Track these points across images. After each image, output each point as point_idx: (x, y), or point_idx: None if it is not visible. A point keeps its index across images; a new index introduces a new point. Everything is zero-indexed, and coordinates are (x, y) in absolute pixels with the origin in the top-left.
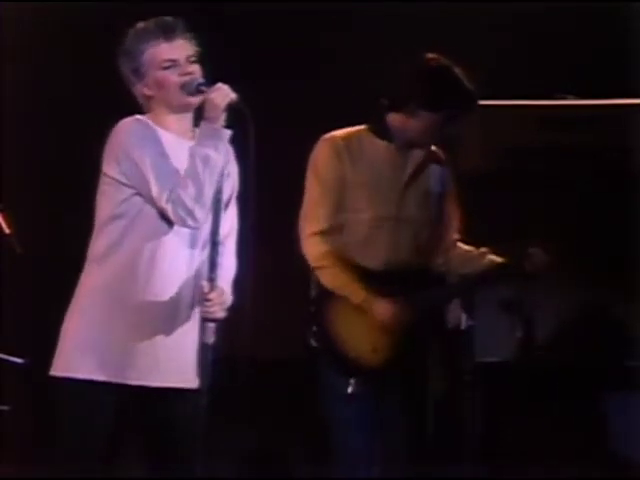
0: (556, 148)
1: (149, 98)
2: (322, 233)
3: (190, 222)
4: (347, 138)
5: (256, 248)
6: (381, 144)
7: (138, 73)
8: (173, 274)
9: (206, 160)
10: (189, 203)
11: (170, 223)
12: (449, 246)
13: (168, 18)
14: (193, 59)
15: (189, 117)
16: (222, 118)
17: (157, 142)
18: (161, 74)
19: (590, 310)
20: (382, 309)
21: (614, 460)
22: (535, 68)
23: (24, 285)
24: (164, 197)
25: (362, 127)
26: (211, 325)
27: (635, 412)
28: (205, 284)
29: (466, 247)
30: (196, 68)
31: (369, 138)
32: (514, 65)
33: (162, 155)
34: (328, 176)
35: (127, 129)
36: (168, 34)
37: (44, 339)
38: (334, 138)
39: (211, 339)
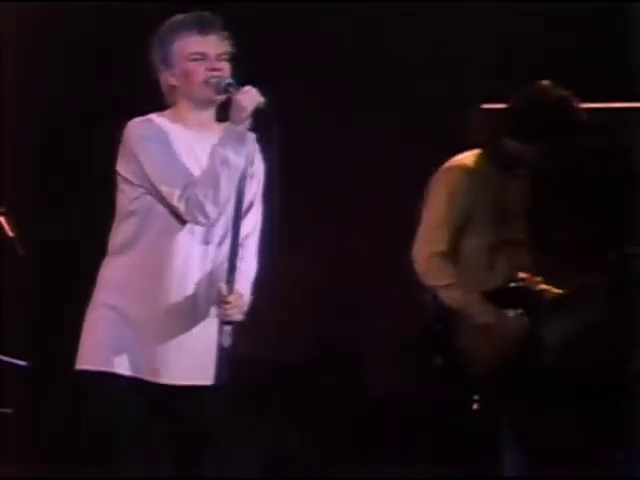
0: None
1: (173, 88)
2: (444, 255)
3: (203, 220)
4: (468, 164)
5: (278, 251)
6: (498, 169)
7: (166, 62)
8: (187, 271)
9: (225, 162)
10: (204, 201)
11: (182, 221)
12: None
13: (207, 13)
14: (224, 57)
15: (211, 112)
16: (248, 121)
17: (166, 142)
18: (189, 65)
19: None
20: (511, 327)
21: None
22: (535, 68)
23: (26, 287)
24: (175, 195)
25: (480, 152)
26: (228, 327)
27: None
28: (223, 286)
29: None
30: (225, 66)
31: (487, 163)
32: (514, 65)
33: (170, 154)
34: (451, 199)
35: (135, 130)
36: (203, 28)
37: (46, 341)
38: (457, 163)
39: (228, 341)
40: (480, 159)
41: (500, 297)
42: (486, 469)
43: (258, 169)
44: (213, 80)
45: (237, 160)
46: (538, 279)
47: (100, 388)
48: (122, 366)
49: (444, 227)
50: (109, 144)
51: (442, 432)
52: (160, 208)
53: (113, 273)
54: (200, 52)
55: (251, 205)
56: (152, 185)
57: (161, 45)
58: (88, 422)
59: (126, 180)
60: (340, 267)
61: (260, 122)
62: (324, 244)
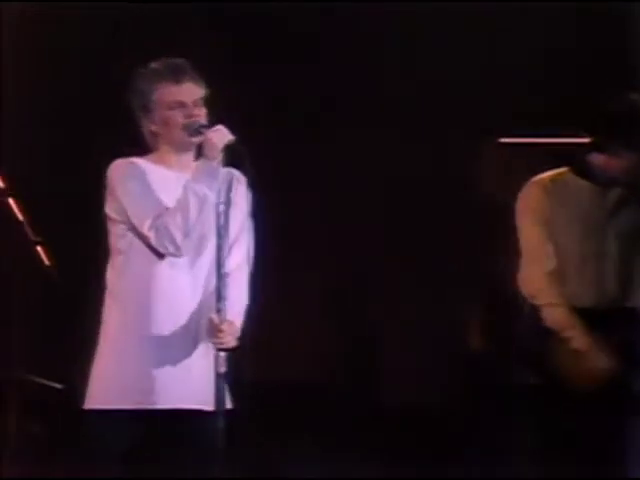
0: None
1: (154, 135)
2: (550, 273)
3: (172, 250)
4: (553, 179)
5: (259, 280)
6: (584, 184)
7: (146, 110)
8: (174, 305)
9: (196, 193)
10: (173, 231)
11: (160, 255)
12: None
13: (178, 60)
14: (200, 102)
15: (190, 155)
16: (219, 157)
17: (142, 179)
18: (168, 114)
19: None
20: (601, 361)
21: None
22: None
23: (63, 314)
24: (146, 225)
25: (565, 169)
26: (222, 355)
27: None
28: (214, 316)
29: None
30: (202, 111)
31: (573, 179)
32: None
33: (147, 190)
34: (542, 216)
35: (115, 170)
36: (177, 76)
37: (84, 366)
38: (542, 180)
39: (223, 368)
40: (566, 174)
41: (593, 318)
42: None
43: (241, 201)
44: (187, 125)
45: (207, 192)
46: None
47: (107, 424)
48: (124, 400)
49: (543, 243)
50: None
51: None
52: (139, 245)
53: (111, 315)
54: (177, 101)
55: (237, 236)
56: (128, 219)
57: (140, 93)
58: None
59: (111, 219)
60: (357, 285)
61: (233, 158)
62: (337, 263)
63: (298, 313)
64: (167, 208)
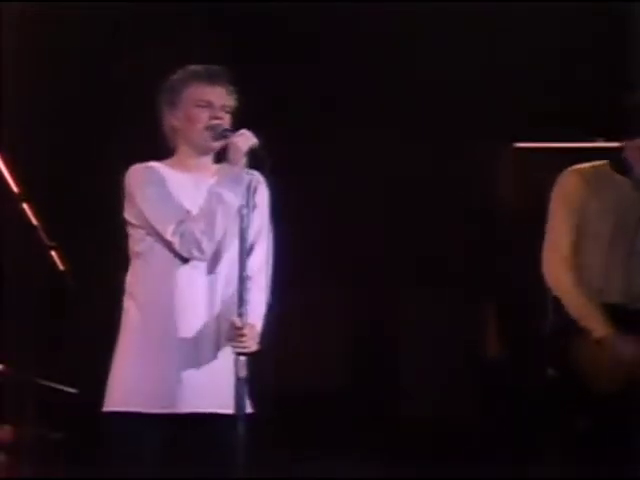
0: None
1: (175, 131)
2: (567, 260)
3: (198, 255)
4: (592, 170)
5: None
6: (621, 179)
7: (173, 105)
8: (194, 308)
9: (221, 199)
10: (198, 235)
11: (183, 259)
12: None
13: (218, 67)
14: (227, 109)
15: (209, 159)
16: (243, 161)
17: (163, 184)
18: (194, 111)
19: None
20: (623, 347)
21: None
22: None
23: (78, 319)
24: (169, 230)
25: (604, 162)
26: (243, 359)
27: None
28: (237, 320)
29: None
30: (226, 117)
31: (609, 173)
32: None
33: (167, 195)
34: (574, 204)
35: (135, 175)
36: (212, 78)
37: (98, 371)
38: (582, 168)
39: (244, 372)
40: (605, 166)
41: (620, 316)
42: None
43: (261, 202)
44: (210, 127)
45: (232, 198)
46: None
47: (128, 427)
48: (146, 404)
49: (565, 231)
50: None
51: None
52: (160, 249)
53: (131, 317)
54: (206, 100)
55: (257, 239)
56: (149, 224)
57: (171, 89)
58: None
59: (130, 224)
60: (374, 299)
61: (255, 162)
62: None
63: (315, 318)
64: (188, 211)
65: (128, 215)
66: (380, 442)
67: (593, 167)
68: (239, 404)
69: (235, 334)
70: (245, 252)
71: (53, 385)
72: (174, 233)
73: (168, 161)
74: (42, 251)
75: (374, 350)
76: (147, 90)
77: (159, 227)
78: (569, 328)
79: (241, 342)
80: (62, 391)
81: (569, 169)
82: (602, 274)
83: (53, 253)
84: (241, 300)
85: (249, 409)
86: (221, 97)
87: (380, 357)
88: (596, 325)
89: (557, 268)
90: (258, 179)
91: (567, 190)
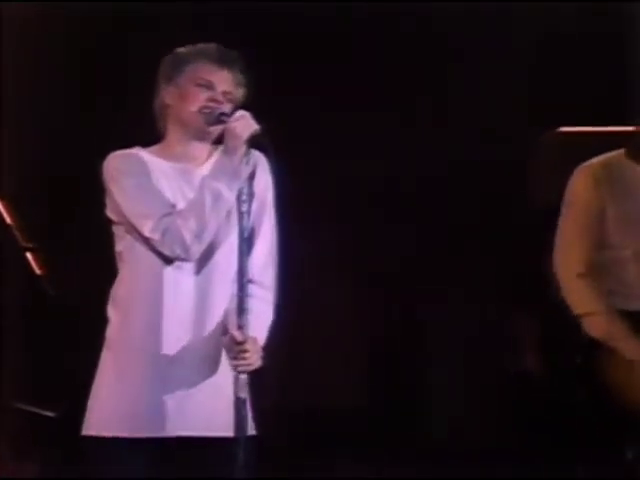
0: None
1: (166, 108)
2: (585, 275)
3: (182, 254)
4: (606, 166)
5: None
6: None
7: (171, 79)
8: (183, 317)
9: (216, 195)
10: (184, 232)
11: (166, 259)
12: None
13: (233, 51)
14: (230, 97)
15: (204, 146)
16: (242, 150)
17: (143, 174)
18: (191, 89)
19: None
20: None
21: None
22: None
23: (56, 329)
24: (148, 226)
25: (620, 152)
26: (244, 377)
27: None
28: (236, 334)
29: None
30: (227, 106)
31: (629, 164)
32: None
33: (146, 186)
34: (587, 210)
35: (112, 163)
36: (223, 60)
37: (77, 390)
38: (593, 167)
39: (245, 393)
40: (620, 158)
41: None
42: None
43: (260, 191)
44: (206, 110)
45: (229, 195)
46: None
47: (107, 454)
48: (128, 428)
49: (579, 241)
50: None
51: None
52: (140, 248)
53: (110, 324)
54: (208, 80)
55: (257, 233)
56: (127, 220)
57: (172, 62)
58: None
59: (111, 220)
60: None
61: (257, 150)
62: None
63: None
64: (173, 206)
65: (107, 211)
66: (396, 464)
67: (608, 160)
68: (239, 426)
69: (235, 350)
70: (245, 252)
71: (30, 408)
72: (154, 229)
73: (154, 148)
74: (17, 253)
75: (391, 365)
76: (151, 92)
77: (136, 222)
78: (596, 345)
79: (242, 359)
80: (40, 415)
81: (579, 167)
82: (623, 280)
83: (29, 255)
84: (241, 309)
85: (251, 431)
86: (226, 82)
87: (397, 374)
88: (625, 346)
89: (574, 285)
90: (257, 161)
91: (578, 194)
